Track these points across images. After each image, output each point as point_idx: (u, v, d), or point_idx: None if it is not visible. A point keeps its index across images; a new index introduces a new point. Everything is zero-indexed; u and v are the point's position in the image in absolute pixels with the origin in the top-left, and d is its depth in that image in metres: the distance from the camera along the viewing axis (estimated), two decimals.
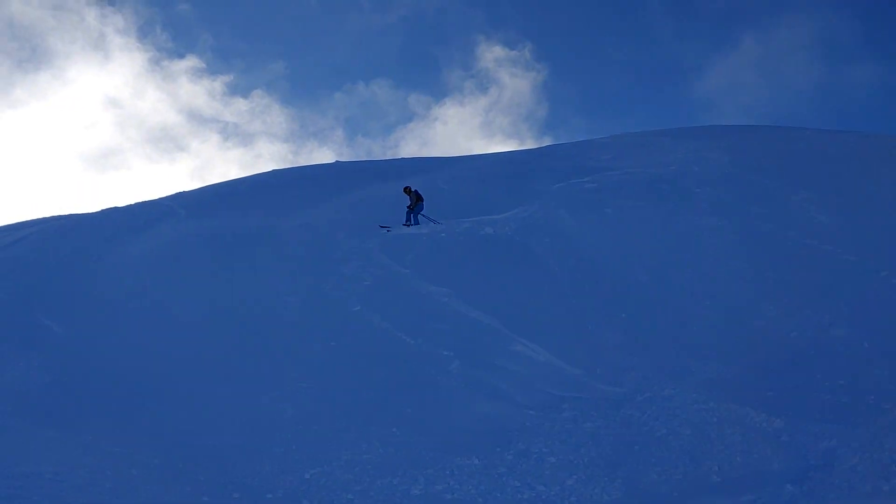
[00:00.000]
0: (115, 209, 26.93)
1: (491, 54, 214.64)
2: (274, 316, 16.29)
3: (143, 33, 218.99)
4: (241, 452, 11.18)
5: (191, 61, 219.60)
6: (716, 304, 15.84)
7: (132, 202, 28.18)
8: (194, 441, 11.54)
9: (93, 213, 26.92)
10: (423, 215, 22.43)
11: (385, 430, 11.88)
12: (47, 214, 28.97)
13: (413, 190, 22.70)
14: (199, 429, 12.01)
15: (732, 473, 9.85)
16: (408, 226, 22.04)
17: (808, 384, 12.48)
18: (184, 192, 29.48)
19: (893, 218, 19.87)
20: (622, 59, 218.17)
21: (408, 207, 22.45)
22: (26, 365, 14.18)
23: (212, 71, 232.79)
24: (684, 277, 17.00)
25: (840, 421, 10.89)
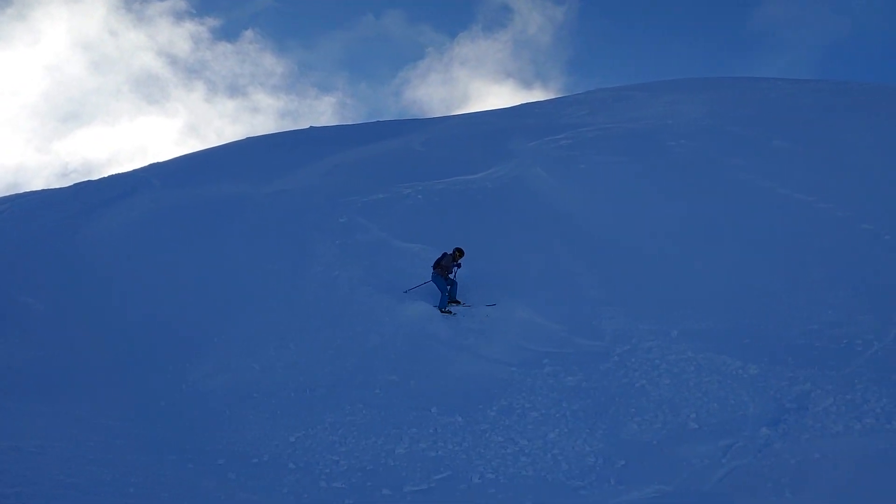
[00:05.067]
0: (89, 182, 26.63)
1: None
2: (254, 284, 16.28)
3: None
4: (226, 420, 11.27)
5: (171, 2, 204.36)
6: (692, 256, 15.98)
7: (105, 175, 27.89)
8: (179, 411, 11.62)
9: (66, 188, 26.62)
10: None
11: (367, 392, 11.99)
12: (19, 188, 28.61)
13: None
14: (183, 399, 12.09)
15: (710, 420, 10.06)
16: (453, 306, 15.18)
17: (782, 330, 12.70)
18: (158, 162, 29.17)
19: (866, 166, 20.06)
20: None
21: (440, 269, 15.21)
22: (6, 342, 14.15)
23: (196, 13, 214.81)
24: (661, 231, 17.11)
25: (813, 365, 11.12)
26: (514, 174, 20.94)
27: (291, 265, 16.97)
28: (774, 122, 23.91)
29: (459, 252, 15.46)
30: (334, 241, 18.04)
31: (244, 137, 33.58)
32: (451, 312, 14.72)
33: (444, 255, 15.30)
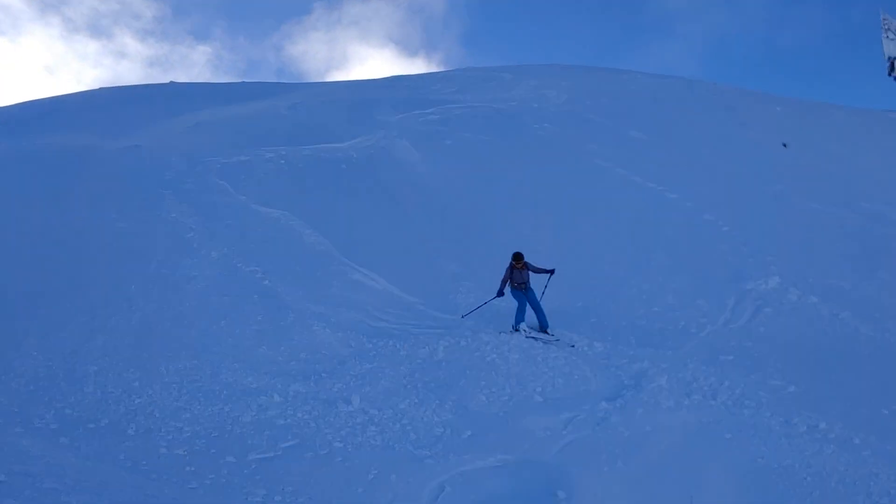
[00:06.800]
0: None
1: None
2: (100, 242, 15.39)
3: None
4: (60, 382, 10.63)
5: None
6: (547, 236, 16.50)
7: None
8: (8, 376, 10.84)
9: None
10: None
11: (217, 359, 11.62)
12: None
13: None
14: (12, 364, 11.26)
15: (554, 394, 10.45)
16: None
17: (627, 311, 13.39)
18: None
19: (712, 162, 21.38)
20: None
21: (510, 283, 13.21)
22: None
23: None
24: (518, 210, 17.56)
25: (652, 345, 11.80)
26: (381, 145, 20.86)
27: (139, 225, 16.14)
28: (632, 113, 25.02)
29: (515, 258, 12.98)
30: (189, 202, 17.32)
31: (98, 88, 31.58)
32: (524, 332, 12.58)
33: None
